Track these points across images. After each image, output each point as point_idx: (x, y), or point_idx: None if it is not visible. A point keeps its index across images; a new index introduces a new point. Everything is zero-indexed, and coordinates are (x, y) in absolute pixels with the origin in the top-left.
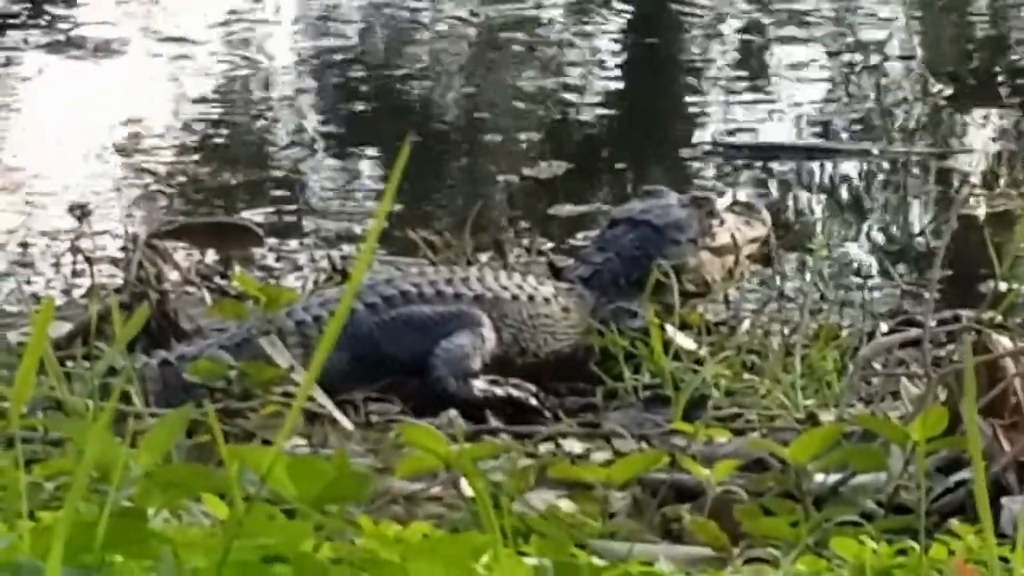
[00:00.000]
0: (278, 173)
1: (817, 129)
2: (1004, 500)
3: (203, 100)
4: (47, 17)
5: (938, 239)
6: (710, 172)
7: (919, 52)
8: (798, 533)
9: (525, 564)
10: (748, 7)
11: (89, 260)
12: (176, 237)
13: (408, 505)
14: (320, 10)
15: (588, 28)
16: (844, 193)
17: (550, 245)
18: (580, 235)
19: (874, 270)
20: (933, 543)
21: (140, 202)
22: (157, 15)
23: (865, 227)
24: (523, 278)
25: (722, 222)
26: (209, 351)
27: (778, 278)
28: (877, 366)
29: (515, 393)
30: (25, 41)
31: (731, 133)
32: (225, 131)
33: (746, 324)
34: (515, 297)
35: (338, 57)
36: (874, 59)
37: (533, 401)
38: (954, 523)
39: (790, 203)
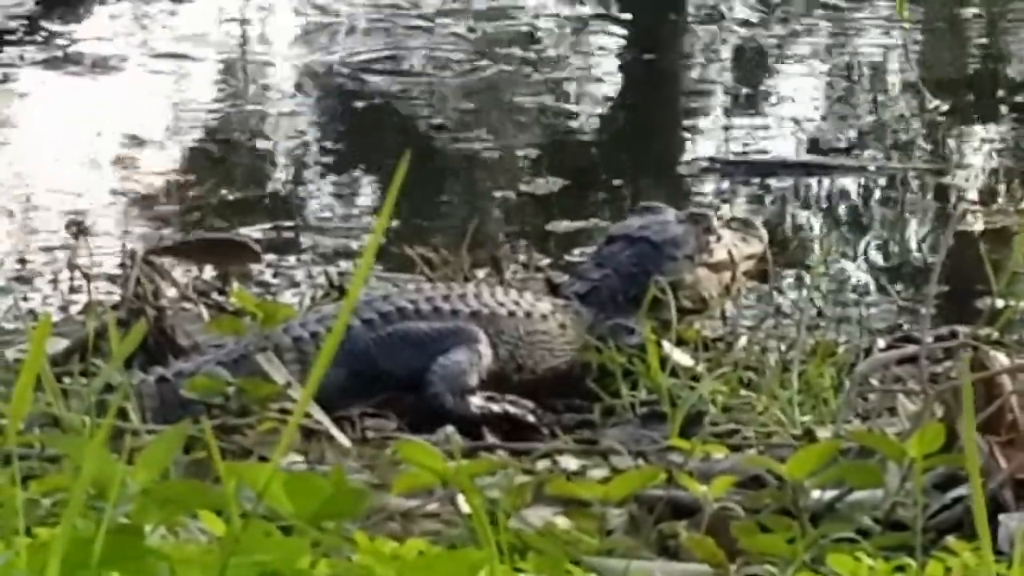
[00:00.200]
0: (275, 189)
1: (814, 145)
2: (1001, 517)
3: (200, 116)
4: (44, 33)
5: (935, 255)
6: (707, 188)
7: (917, 68)
8: (795, 550)
9: None
10: (746, 24)
11: (86, 276)
12: (173, 253)
13: (405, 522)
14: (318, 27)
15: (585, 44)
16: (841, 209)
17: (547, 261)
18: (577, 251)
19: (871, 286)
20: (930, 560)
21: (137, 218)
22: (154, 31)
23: (862, 243)
24: (520, 294)
25: (719, 238)
26: (206, 367)
27: (775, 294)
28: (874, 382)
29: (512, 410)
30: (22, 57)
31: (728, 149)
32: (222, 147)
33: (743, 340)
34: (512, 313)
35: (335, 73)
36: (872, 75)
37: (530, 418)
38: (951, 540)
39: (787, 219)
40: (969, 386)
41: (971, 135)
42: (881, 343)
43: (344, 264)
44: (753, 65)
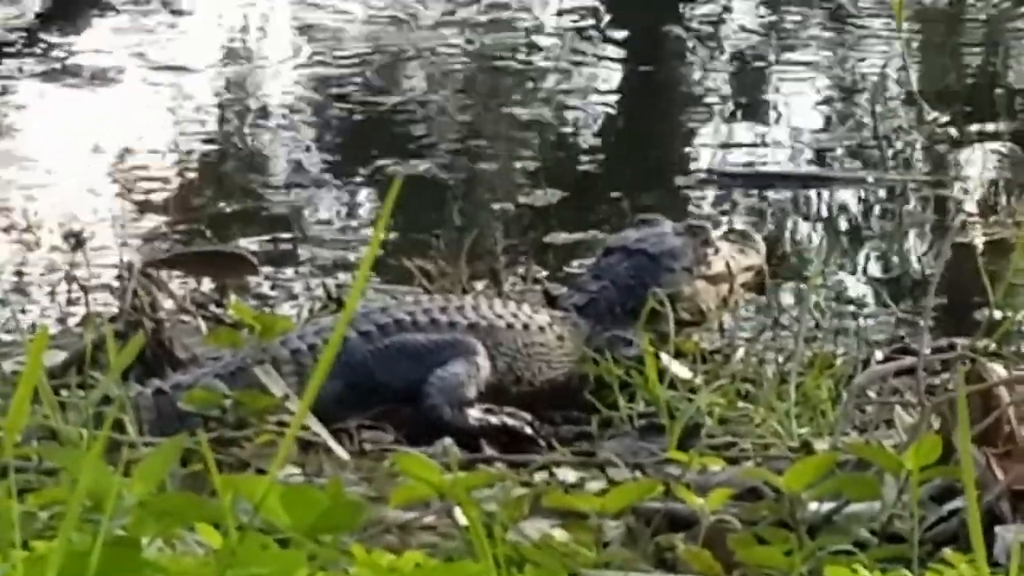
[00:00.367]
0: (273, 201)
1: (813, 157)
2: (998, 529)
3: (199, 128)
4: (42, 45)
5: (933, 267)
6: (706, 200)
7: (915, 80)
8: (792, 562)
9: None
10: (744, 35)
11: (84, 289)
12: (171, 266)
13: (402, 534)
14: (317, 39)
15: (583, 56)
16: (839, 221)
17: (545, 273)
18: (576, 263)
19: (869, 298)
20: (926, 572)
21: (135, 231)
22: (153, 44)
23: (860, 255)
24: (518, 306)
25: (717, 250)
26: (204, 380)
27: (773, 306)
28: (872, 394)
29: (510, 422)
30: (20, 69)
31: (726, 161)
32: (220, 159)
33: (741, 352)
34: (510, 325)
35: (334, 85)
36: (870, 87)
37: (528, 430)
38: (947, 552)
39: (785, 231)
40: (964, 398)
41: (970, 147)
42: (879, 355)
43: (342, 276)
44: (751, 77)
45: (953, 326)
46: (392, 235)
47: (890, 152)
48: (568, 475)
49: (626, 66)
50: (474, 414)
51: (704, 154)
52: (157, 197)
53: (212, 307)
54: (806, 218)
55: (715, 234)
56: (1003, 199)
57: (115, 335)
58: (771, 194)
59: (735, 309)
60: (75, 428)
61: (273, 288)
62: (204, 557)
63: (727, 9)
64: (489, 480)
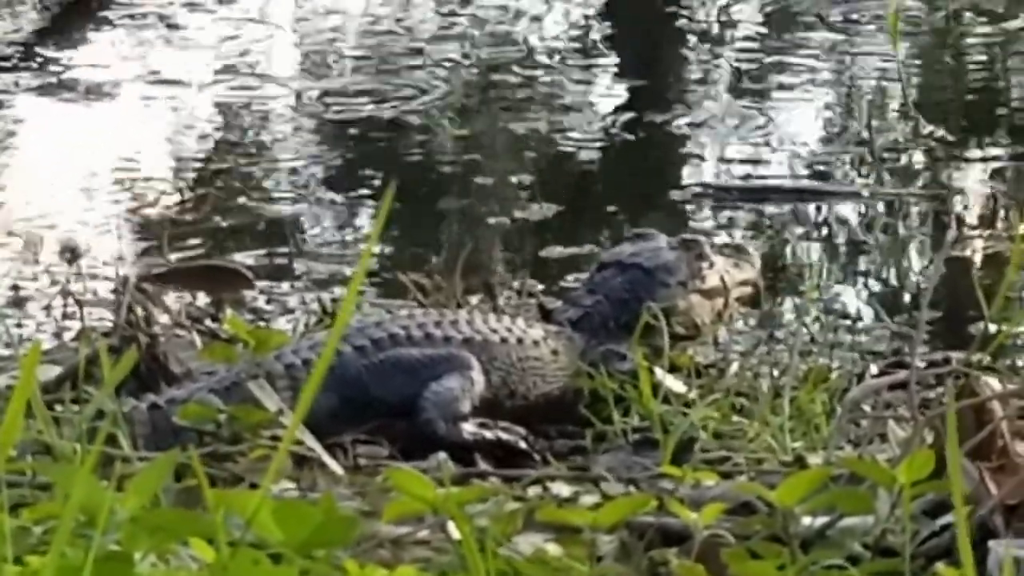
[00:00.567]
0: (269, 216)
1: (808, 171)
2: (991, 543)
3: (195, 143)
4: (39, 59)
5: (928, 281)
6: (700, 214)
7: (912, 94)
8: None
9: None
10: (740, 49)
11: (79, 303)
12: (166, 280)
13: (395, 549)
14: (313, 53)
15: (580, 70)
16: (835, 235)
17: (541, 287)
18: (571, 277)
19: (864, 312)
20: None
21: (131, 245)
22: (149, 58)
23: (856, 269)
24: (512, 320)
25: (711, 264)
26: (198, 394)
27: (768, 320)
28: (866, 408)
29: (504, 436)
30: (16, 84)
31: (722, 175)
32: (216, 174)
33: (735, 366)
34: (504, 340)
35: (331, 99)
36: (867, 101)
37: (522, 444)
38: (940, 567)
39: (780, 245)
40: (955, 413)
41: (966, 161)
42: (873, 369)
43: (338, 291)
44: (748, 91)
45: (948, 339)
46: (387, 249)
47: (886, 165)
48: (562, 489)
49: (622, 80)
50: (469, 428)
51: (700, 168)
52: (153, 211)
53: (207, 321)
54: (801, 232)
55: (709, 248)
56: (999, 213)
57: (110, 349)
58: (766, 208)
59: (730, 323)
60: (69, 443)
61: (269, 302)
62: (197, 572)
63: (724, 24)
64: (483, 494)
